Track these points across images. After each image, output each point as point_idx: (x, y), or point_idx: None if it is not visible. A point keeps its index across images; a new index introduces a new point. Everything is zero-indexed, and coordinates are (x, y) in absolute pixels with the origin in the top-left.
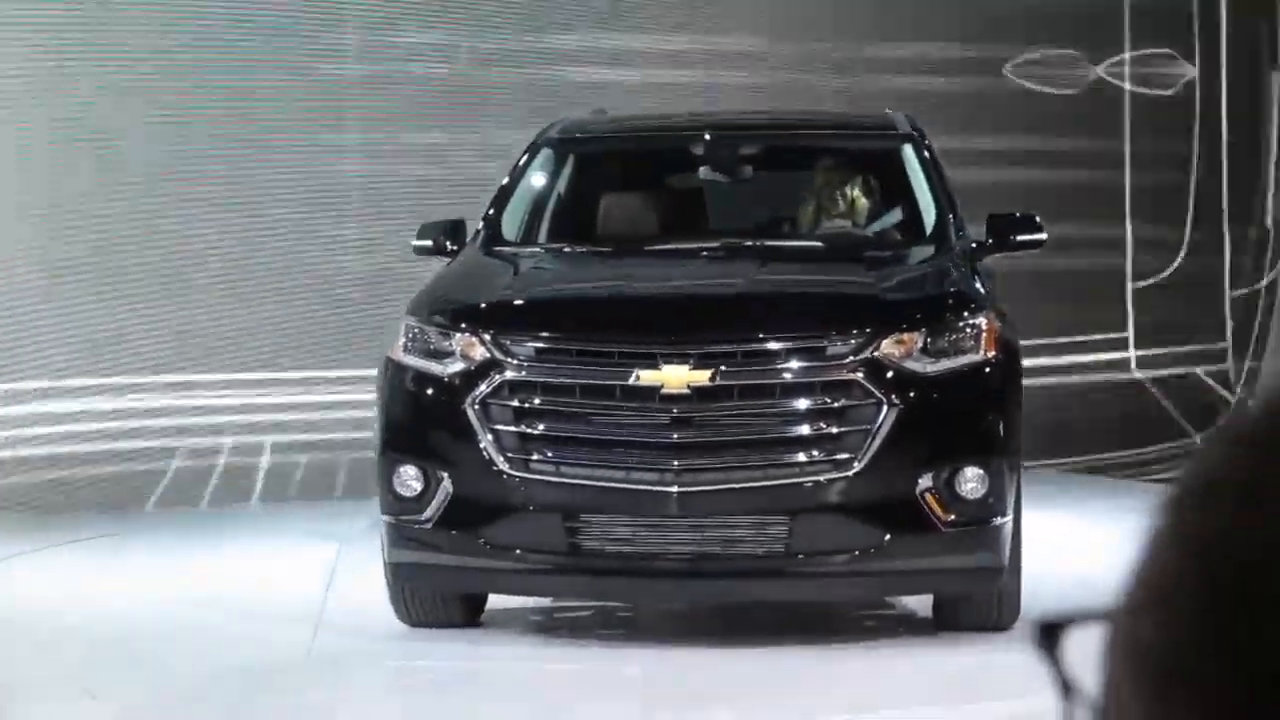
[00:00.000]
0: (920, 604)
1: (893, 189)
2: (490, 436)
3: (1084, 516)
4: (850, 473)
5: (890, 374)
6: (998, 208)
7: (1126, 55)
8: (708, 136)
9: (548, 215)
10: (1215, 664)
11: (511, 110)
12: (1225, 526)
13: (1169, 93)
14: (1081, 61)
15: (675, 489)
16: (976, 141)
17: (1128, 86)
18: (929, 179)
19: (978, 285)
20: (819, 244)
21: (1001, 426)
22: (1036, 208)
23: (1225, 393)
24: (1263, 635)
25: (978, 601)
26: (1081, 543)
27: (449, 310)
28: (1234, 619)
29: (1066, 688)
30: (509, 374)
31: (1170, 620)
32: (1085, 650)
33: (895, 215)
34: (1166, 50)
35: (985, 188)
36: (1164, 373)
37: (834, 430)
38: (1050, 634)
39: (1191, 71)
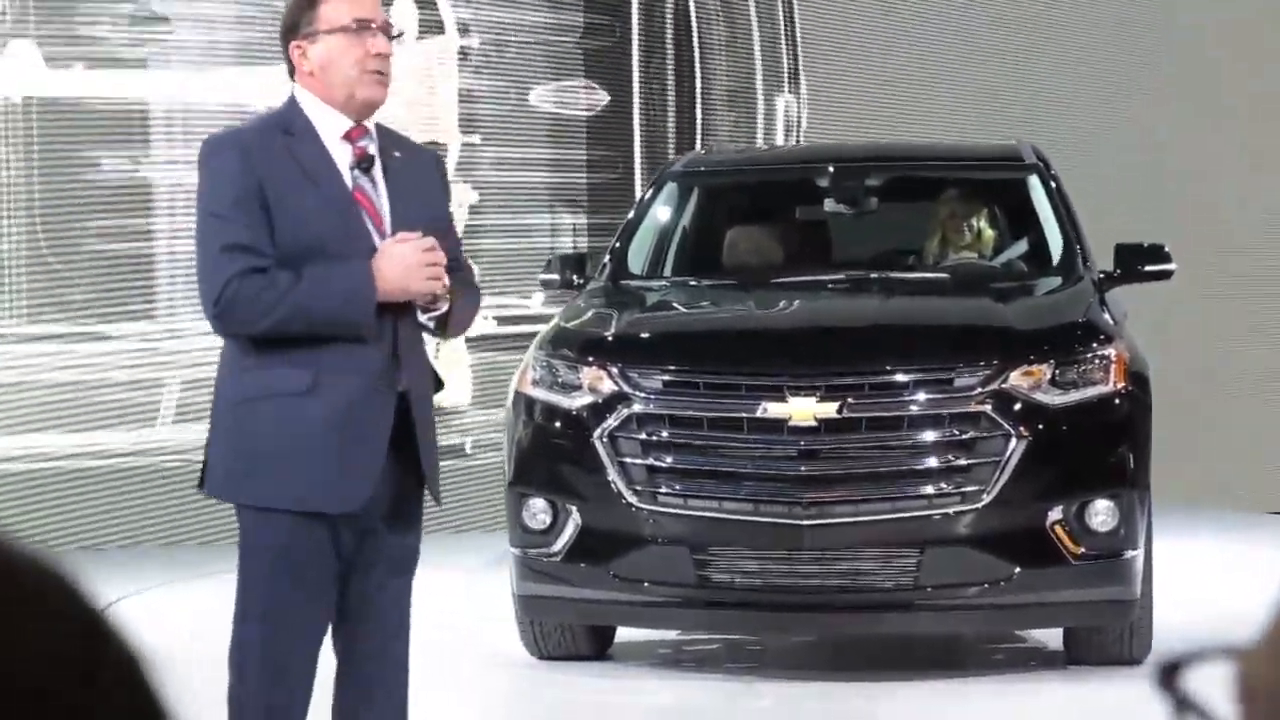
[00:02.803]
0: (1051, 637)
1: (1019, 219)
2: (618, 469)
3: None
4: (979, 505)
5: (1019, 406)
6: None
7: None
8: (831, 169)
9: (673, 248)
10: None
11: None
12: None
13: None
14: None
15: (804, 522)
16: None
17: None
18: (1055, 209)
19: (1106, 316)
20: (945, 275)
21: (1132, 458)
22: None
23: None
24: None
25: (1109, 635)
26: (1214, 574)
27: (576, 343)
28: None
29: None
30: (636, 407)
31: None
32: (1209, 687)
33: (1021, 246)
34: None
35: None
36: None
37: (962, 462)
38: (1170, 673)
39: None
